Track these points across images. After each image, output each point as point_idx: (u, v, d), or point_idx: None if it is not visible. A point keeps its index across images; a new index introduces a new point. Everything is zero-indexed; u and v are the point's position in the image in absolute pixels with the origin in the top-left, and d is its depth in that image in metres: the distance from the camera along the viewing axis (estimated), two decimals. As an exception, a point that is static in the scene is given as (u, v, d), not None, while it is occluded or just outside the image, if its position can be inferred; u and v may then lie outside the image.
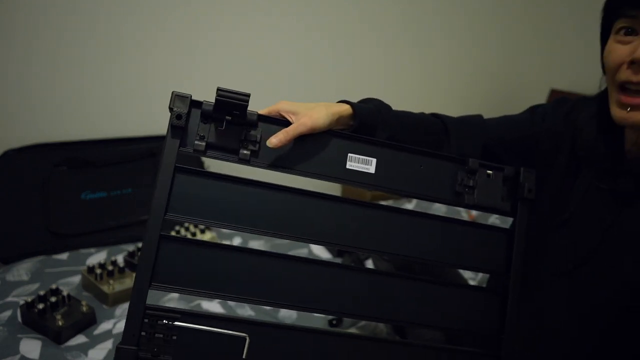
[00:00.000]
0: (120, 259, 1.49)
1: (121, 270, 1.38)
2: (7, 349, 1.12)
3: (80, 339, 1.19)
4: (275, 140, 0.76)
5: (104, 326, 1.23)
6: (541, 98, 2.42)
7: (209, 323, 0.74)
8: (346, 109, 0.83)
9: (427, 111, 0.96)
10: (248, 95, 0.72)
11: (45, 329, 1.17)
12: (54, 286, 1.26)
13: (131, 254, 1.46)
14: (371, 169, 0.81)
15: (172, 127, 0.73)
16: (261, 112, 0.80)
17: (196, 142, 0.74)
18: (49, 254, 1.53)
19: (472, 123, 0.96)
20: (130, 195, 1.66)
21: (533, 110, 0.96)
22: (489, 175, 0.85)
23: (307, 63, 2.03)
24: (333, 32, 2.02)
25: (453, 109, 1.08)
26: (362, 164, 0.81)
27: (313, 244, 0.86)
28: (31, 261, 1.48)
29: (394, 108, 0.90)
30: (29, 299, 1.21)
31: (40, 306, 1.19)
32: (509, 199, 0.85)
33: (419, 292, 0.83)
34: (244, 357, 0.74)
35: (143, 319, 0.72)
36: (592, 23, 0.87)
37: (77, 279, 1.41)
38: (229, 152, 0.76)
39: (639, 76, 0.71)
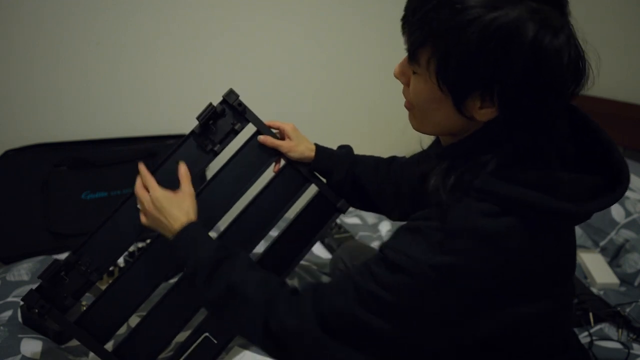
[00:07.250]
0: (120, 259, 1.49)
1: (121, 271, 1.37)
2: (8, 349, 1.12)
3: (81, 339, 1.18)
4: (263, 138, 1.12)
5: (105, 326, 1.23)
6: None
7: None
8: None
9: None
10: None
11: (46, 329, 1.17)
12: (54, 286, 1.26)
13: (131, 254, 1.46)
14: None
15: None
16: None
17: None
18: (49, 254, 1.53)
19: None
20: (131, 195, 1.66)
21: None
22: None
23: (313, 65, 2.03)
24: (339, 36, 2.03)
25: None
26: None
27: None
28: (31, 261, 1.48)
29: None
30: (30, 299, 1.21)
31: (41, 306, 1.19)
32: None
33: None
34: None
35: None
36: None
37: (77, 279, 1.41)
38: None
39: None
